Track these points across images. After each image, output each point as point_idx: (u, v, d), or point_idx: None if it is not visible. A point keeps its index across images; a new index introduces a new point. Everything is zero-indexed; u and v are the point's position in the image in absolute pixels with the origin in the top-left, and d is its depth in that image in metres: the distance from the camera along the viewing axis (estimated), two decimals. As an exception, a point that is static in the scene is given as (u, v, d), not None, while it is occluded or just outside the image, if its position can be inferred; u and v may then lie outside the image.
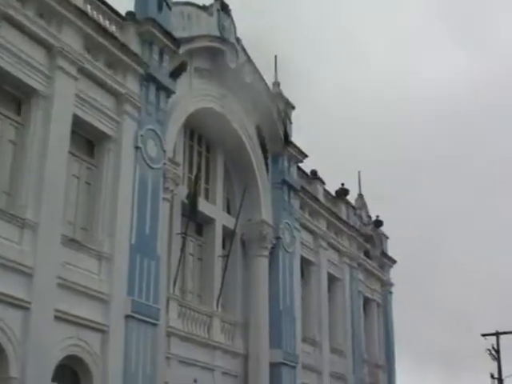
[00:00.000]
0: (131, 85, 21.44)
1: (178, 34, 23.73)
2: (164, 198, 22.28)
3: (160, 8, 22.94)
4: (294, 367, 28.43)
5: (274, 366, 27.33)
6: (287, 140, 30.19)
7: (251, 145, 28.40)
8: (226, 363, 25.89)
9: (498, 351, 53.97)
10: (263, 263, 28.18)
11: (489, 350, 53.94)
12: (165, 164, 22.36)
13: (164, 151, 22.29)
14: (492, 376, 53.40)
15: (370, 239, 39.86)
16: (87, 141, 20.71)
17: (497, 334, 54.72)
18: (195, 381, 23.95)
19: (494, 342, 54.42)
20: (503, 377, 53.89)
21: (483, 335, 54.85)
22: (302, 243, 31.74)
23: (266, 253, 28.31)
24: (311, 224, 33.02)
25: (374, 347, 39.09)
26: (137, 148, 21.15)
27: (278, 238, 28.79)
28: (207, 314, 25.33)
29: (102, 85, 20.45)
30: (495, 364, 53.99)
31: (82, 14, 19.68)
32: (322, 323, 32.83)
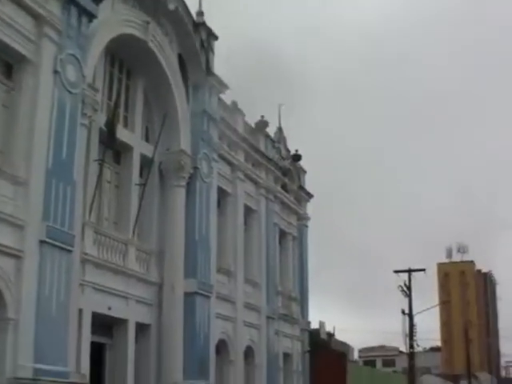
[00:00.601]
0: (52, 7, 21.10)
1: (100, -43, 23.34)
2: (82, 124, 22.18)
3: None
4: (208, 297, 29.09)
5: (189, 296, 27.88)
6: (209, 70, 30.36)
7: (172, 73, 28.40)
8: (141, 292, 26.25)
9: (409, 288, 55.96)
10: (180, 193, 28.51)
11: (401, 286, 55.85)
12: (84, 89, 22.20)
13: (83, 76, 22.15)
14: (403, 312, 55.47)
15: (287, 173, 40.61)
16: (5, 63, 20.46)
17: (409, 271, 56.65)
18: (109, 308, 24.21)
19: (406, 279, 56.42)
20: (414, 313, 56.13)
21: (395, 272, 56.79)
22: (219, 174, 32.18)
23: (183, 182, 28.62)
24: (229, 155, 33.50)
25: (288, 279, 40.19)
26: (56, 72, 20.93)
27: (195, 168, 29.11)
28: (123, 242, 25.56)
29: (21, 6, 20.10)
30: (406, 300, 56.13)
31: None
32: (238, 254, 33.63)
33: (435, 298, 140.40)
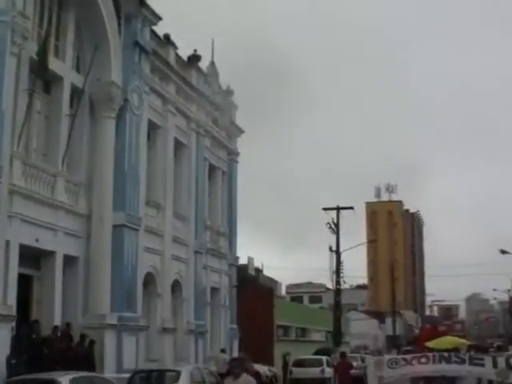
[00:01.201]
0: None
1: None
2: (11, 53, 21.98)
3: None
4: (136, 230, 29.44)
5: (117, 228, 28.16)
6: (142, 1, 30.16)
7: (104, 3, 28.13)
8: (69, 224, 26.36)
9: (337, 225, 57.38)
10: (110, 124, 28.56)
11: (329, 223, 57.24)
12: (14, 17, 21.96)
13: (13, 3, 21.92)
14: (330, 249, 57.10)
15: (219, 107, 40.85)
16: None
17: (337, 209, 58.02)
18: (37, 240, 24.23)
19: (335, 217, 57.81)
20: (341, 250, 57.76)
21: (324, 209, 58.06)
22: (150, 107, 32.26)
23: (114, 114, 28.65)
24: (160, 88, 33.59)
25: (216, 214, 40.69)
26: (-17, -1, 20.71)
27: (126, 100, 29.14)
28: (51, 174, 25.48)
29: None
30: (334, 238, 57.59)
31: None
32: (167, 188, 33.97)
33: (363, 237, 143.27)
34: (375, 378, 29.22)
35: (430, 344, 37.00)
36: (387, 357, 33.16)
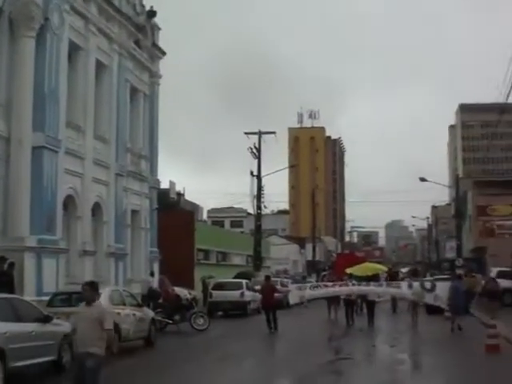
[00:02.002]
0: None
1: None
2: None
3: None
4: (56, 152, 29.36)
5: (36, 150, 28.15)
6: None
7: None
8: (-12, 146, 26.03)
9: (259, 150, 58.01)
10: (30, 44, 28.17)
11: (251, 148, 57.85)
12: None
13: None
14: (252, 173, 57.74)
15: (141, 29, 40.40)
16: None
17: (259, 134, 58.63)
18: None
19: (256, 141, 58.41)
20: (262, 175, 58.57)
21: (246, 133, 58.65)
22: (71, 27, 31.87)
23: (34, 34, 28.26)
24: (82, 8, 33.10)
25: (138, 137, 40.49)
26: None
27: (46, 19, 28.74)
28: (-32, 94, 25.04)
29: None
30: (256, 162, 58.26)
31: None
32: (88, 110, 33.72)
33: (285, 163, 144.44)
34: (297, 297, 33.85)
35: (349, 270, 38.54)
36: (309, 284, 36.53)
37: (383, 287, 34.97)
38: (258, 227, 60.19)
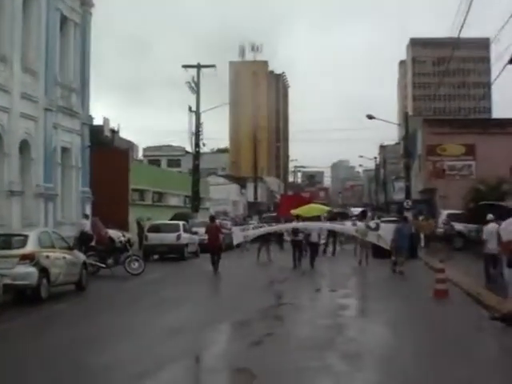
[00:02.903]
0: None
1: None
2: None
3: None
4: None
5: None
6: None
7: None
8: None
9: (197, 84, 57.73)
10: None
11: (189, 82, 57.53)
12: None
13: None
14: (190, 109, 57.58)
15: (72, -48, 39.59)
16: None
17: (198, 67, 58.18)
18: None
19: (195, 75, 58.05)
20: (201, 110, 58.39)
21: (184, 66, 58.06)
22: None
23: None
24: None
25: (68, 69, 39.67)
26: None
27: None
28: None
29: None
30: (194, 98, 58.04)
31: None
32: (15, 40, 33.07)
33: (226, 99, 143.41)
34: (240, 237, 36.61)
35: (295, 212, 39.49)
36: (251, 225, 39.23)
37: (328, 224, 38.50)
38: (197, 166, 60.25)
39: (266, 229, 36.88)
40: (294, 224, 35.79)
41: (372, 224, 36.03)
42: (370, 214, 63.75)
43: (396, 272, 29.77)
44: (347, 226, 36.40)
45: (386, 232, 32.96)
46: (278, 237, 45.41)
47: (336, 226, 37.77)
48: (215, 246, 32.91)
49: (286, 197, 75.36)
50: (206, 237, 34.88)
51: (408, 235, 31.97)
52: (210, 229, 34.12)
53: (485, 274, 23.76)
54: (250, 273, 33.22)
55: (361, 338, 15.31)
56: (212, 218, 36.51)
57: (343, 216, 54.34)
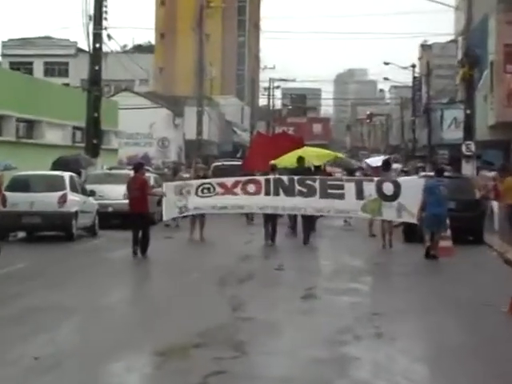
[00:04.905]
0: None
1: None
2: None
3: None
4: None
5: None
6: None
7: None
8: None
9: None
10: None
11: None
12: None
13: None
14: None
15: None
16: None
17: None
18: None
19: None
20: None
21: None
22: None
23: None
24: None
25: None
26: None
27: None
28: None
29: None
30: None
31: None
32: None
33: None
34: (174, 208, 28.82)
35: (278, 161, 33.30)
36: (197, 182, 30.13)
37: (315, 197, 28.30)
38: (96, 75, 46.27)
39: (218, 202, 28.82)
40: (258, 199, 28.73)
41: (388, 187, 27.74)
42: (396, 166, 50.43)
43: (429, 255, 25.00)
44: (348, 202, 28.17)
45: (408, 195, 26.96)
46: None
47: (327, 206, 28.84)
48: (140, 212, 26.09)
49: (262, 137, 54.57)
50: (126, 196, 28.88)
51: (445, 198, 26.20)
52: (133, 184, 26.96)
53: None
54: (193, 262, 26.00)
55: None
56: (138, 167, 28.56)
57: (350, 172, 42.65)
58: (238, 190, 28.22)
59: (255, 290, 21.12)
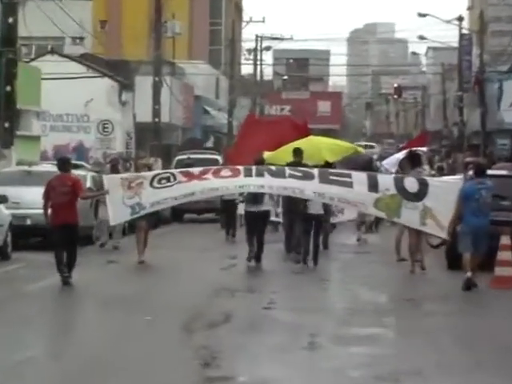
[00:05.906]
0: None
1: None
2: None
3: None
4: None
5: None
6: None
7: None
8: None
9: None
10: None
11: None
12: None
13: None
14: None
15: None
16: None
17: None
18: None
19: None
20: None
21: None
22: None
23: None
24: None
25: None
26: None
27: None
28: None
29: None
30: None
31: None
32: None
33: None
34: (123, 209, 24.59)
35: (270, 156, 28.47)
36: (151, 172, 27.10)
37: (314, 180, 24.22)
38: (9, 32, 39.93)
39: (179, 193, 24.40)
40: (234, 181, 24.77)
41: (411, 184, 23.83)
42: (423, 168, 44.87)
43: (470, 285, 21.56)
44: (357, 191, 24.11)
45: (441, 199, 23.59)
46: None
47: (329, 191, 24.23)
48: (69, 225, 22.31)
49: (253, 121, 40.94)
50: (44, 206, 23.38)
51: (491, 205, 23.04)
52: (56, 186, 22.84)
53: None
54: (147, 297, 22.26)
55: None
56: (63, 163, 24.07)
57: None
58: (208, 175, 24.21)
59: (234, 337, 17.76)
